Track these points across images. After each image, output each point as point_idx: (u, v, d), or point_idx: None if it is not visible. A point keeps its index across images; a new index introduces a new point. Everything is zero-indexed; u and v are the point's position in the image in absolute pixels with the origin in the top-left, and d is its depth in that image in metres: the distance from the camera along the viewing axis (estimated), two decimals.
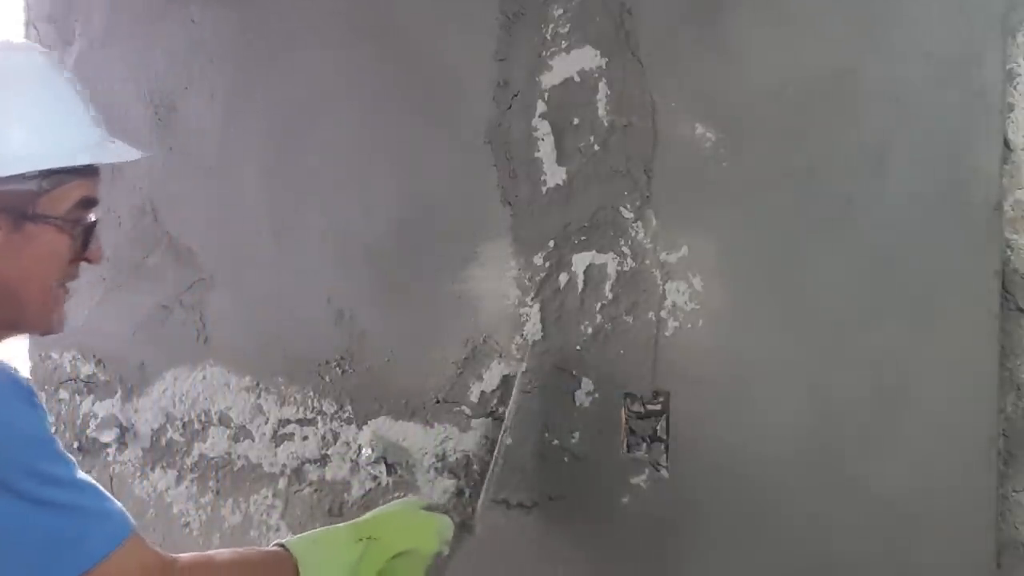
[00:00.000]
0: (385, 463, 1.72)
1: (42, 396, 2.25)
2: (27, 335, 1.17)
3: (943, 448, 1.23)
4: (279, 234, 1.86)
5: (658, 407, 1.44)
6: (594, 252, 1.50)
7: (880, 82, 1.26)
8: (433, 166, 1.66)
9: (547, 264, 1.54)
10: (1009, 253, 1.22)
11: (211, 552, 1.33)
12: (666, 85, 1.43)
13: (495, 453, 1.53)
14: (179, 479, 2.03)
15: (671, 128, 1.42)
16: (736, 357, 1.37)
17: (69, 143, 1.12)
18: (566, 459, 1.52)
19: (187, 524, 2.01)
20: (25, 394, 1.11)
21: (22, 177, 1.08)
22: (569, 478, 1.52)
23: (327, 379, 1.80)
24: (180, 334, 2.01)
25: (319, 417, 1.82)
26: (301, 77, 1.83)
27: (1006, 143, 1.21)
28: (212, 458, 1.98)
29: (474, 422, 1.61)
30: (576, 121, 1.51)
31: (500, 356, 1.59)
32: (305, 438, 1.84)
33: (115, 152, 1.19)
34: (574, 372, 1.51)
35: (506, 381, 1.58)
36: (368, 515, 1.42)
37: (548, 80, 1.54)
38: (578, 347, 1.51)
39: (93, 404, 2.18)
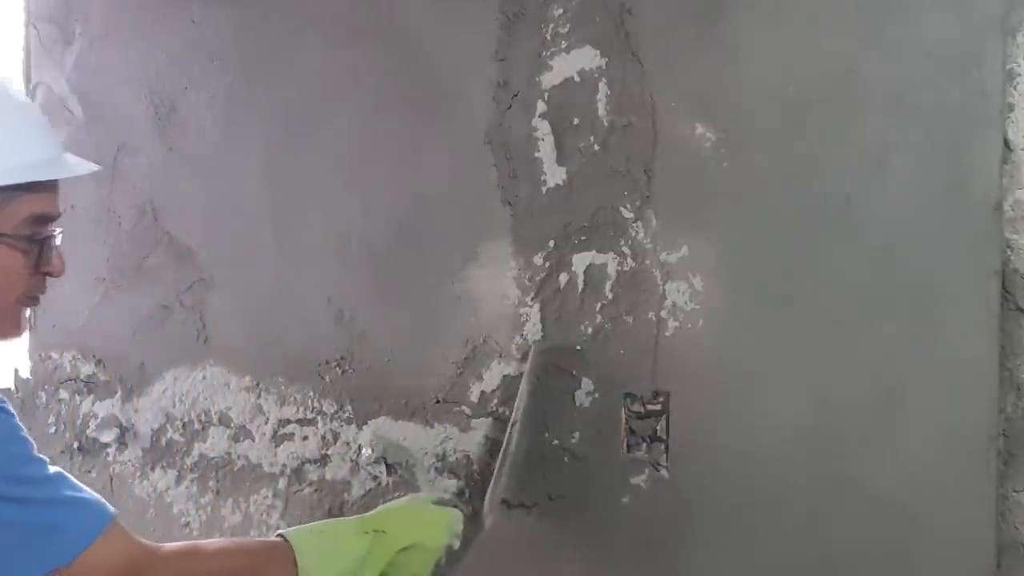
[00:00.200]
0: (385, 463, 1.72)
1: (42, 396, 2.26)
2: None
3: (943, 448, 1.23)
4: (279, 234, 1.86)
5: (658, 407, 1.44)
6: (594, 252, 1.50)
7: (880, 82, 1.26)
8: (433, 166, 1.67)
9: (547, 264, 1.54)
10: (1009, 253, 1.22)
11: (200, 541, 1.33)
12: (666, 85, 1.43)
13: (504, 446, 1.53)
14: (179, 479, 2.03)
15: (671, 128, 1.42)
16: (736, 357, 1.37)
17: (10, 161, 1.13)
18: (566, 459, 1.52)
19: (187, 524, 2.01)
20: None
21: None
22: (569, 478, 1.52)
23: (327, 379, 1.80)
24: (180, 334, 2.01)
25: (319, 417, 1.82)
26: (301, 77, 1.83)
27: (1006, 143, 1.21)
28: (212, 458, 1.98)
29: (474, 422, 1.61)
30: (576, 121, 1.51)
31: (500, 356, 1.59)
32: (305, 438, 1.84)
33: (59, 169, 1.21)
34: (574, 372, 1.51)
35: (506, 381, 1.58)
36: (376, 509, 1.42)
37: (548, 80, 1.54)
38: (578, 347, 1.51)
39: (93, 404, 2.18)
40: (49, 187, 1.19)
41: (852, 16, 1.28)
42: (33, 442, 1.17)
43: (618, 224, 1.47)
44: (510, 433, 1.53)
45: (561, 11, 1.52)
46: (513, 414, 1.54)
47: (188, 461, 2.02)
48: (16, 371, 2.34)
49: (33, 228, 1.16)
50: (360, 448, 1.75)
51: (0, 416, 1.11)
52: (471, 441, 1.62)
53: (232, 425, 1.95)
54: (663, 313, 1.43)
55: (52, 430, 2.24)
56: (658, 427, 1.44)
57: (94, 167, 1.26)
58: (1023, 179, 1.22)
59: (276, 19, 1.87)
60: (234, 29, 1.94)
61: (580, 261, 1.51)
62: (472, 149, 1.61)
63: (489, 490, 1.52)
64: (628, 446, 1.46)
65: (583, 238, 1.51)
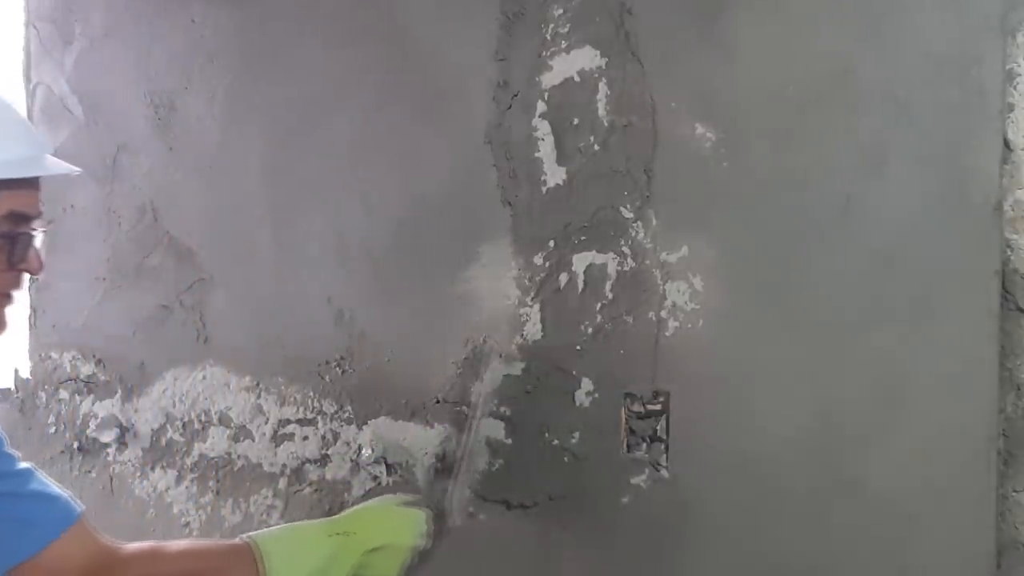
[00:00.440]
0: (385, 463, 1.72)
1: (42, 396, 2.26)
2: None
3: (943, 448, 1.23)
4: (279, 234, 1.87)
5: (658, 407, 1.44)
6: (594, 252, 1.50)
7: (879, 82, 1.26)
8: (433, 166, 1.67)
9: (547, 264, 1.54)
10: (1009, 253, 1.22)
11: (163, 542, 1.34)
12: (666, 85, 1.43)
13: (463, 446, 1.54)
14: (179, 479, 2.03)
15: (671, 128, 1.42)
16: (736, 357, 1.37)
17: None
18: (566, 459, 1.52)
19: (187, 524, 2.01)
20: None
21: None
22: (569, 478, 1.52)
23: (327, 379, 1.80)
24: (180, 334, 2.01)
25: (319, 417, 1.82)
26: (301, 77, 1.83)
27: (1006, 143, 1.21)
28: (212, 458, 1.98)
29: (474, 422, 1.61)
30: (576, 121, 1.51)
31: (500, 356, 1.59)
32: (305, 438, 1.84)
33: (37, 168, 1.22)
34: (574, 372, 1.51)
35: (507, 381, 1.58)
36: (344, 512, 1.44)
37: (548, 80, 1.54)
38: (578, 347, 1.51)
39: (93, 404, 2.18)
40: (29, 185, 1.20)
41: (851, 16, 1.28)
42: (6, 438, 1.18)
43: (618, 224, 1.47)
44: (468, 435, 1.54)
45: (561, 11, 1.52)
46: (472, 411, 1.55)
47: (188, 461, 2.02)
48: (16, 371, 2.34)
49: (10, 225, 1.17)
50: (360, 448, 1.75)
51: None
52: (471, 441, 1.62)
53: (232, 425, 1.95)
54: (663, 313, 1.43)
55: (52, 430, 2.24)
56: (658, 427, 1.44)
57: (74, 169, 1.27)
58: (1023, 179, 1.22)
59: (276, 19, 1.87)
60: (234, 29, 1.94)
61: (580, 261, 1.51)
62: (472, 149, 1.61)
63: (450, 491, 1.53)
64: (628, 446, 1.46)
65: (583, 238, 1.51)
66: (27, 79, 2.33)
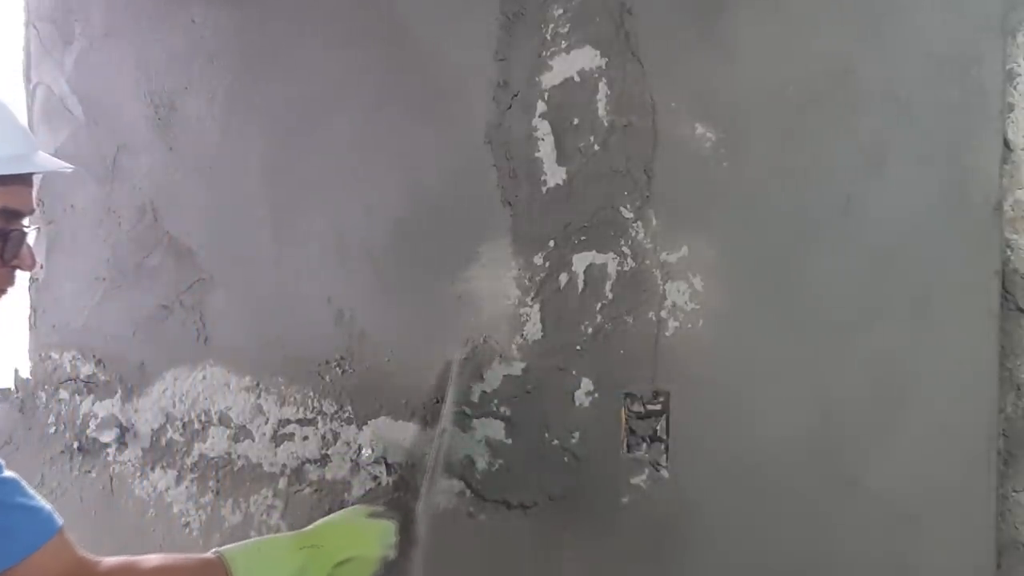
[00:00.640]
0: (385, 463, 1.72)
1: (42, 396, 2.26)
2: None
3: (943, 448, 1.23)
4: (279, 234, 1.87)
5: (658, 407, 1.44)
6: (594, 252, 1.50)
7: (880, 82, 1.26)
8: (433, 166, 1.67)
9: (547, 264, 1.54)
10: (1009, 253, 1.22)
11: (137, 557, 1.35)
12: (666, 85, 1.43)
13: (434, 454, 1.55)
14: (179, 479, 2.03)
15: (671, 128, 1.42)
16: (736, 357, 1.37)
17: None
18: (566, 459, 1.52)
19: (187, 524, 2.01)
20: None
21: None
22: (569, 478, 1.52)
23: (327, 379, 1.80)
24: (180, 334, 2.01)
25: (319, 417, 1.82)
26: (302, 77, 1.84)
27: (1006, 143, 1.21)
28: (212, 458, 1.98)
29: (474, 422, 1.61)
30: (576, 121, 1.51)
31: (500, 356, 1.59)
32: (305, 438, 1.84)
33: (28, 164, 1.22)
34: (574, 372, 1.51)
35: (506, 381, 1.58)
36: (312, 524, 1.47)
37: (548, 80, 1.54)
38: (578, 347, 1.51)
39: (93, 404, 2.18)
40: (21, 182, 1.20)
41: (851, 16, 1.28)
42: None
43: (618, 224, 1.47)
44: (439, 442, 1.55)
45: (561, 11, 1.52)
46: (441, 422, 1.56)
47: (188, 461, 2.02)
48: (16, 371, 2.34)
49: (2, 222, 1.18)
50: (360, 448, 1.75)
51: None
52: (470, 441, 1.62)
53: (232, 425, 1.95)
54: (663, 313, 1.43)
55: (52, 430, 2.24)
56: (658, 427, 1.44)
57: (66, 166, 1.28)
58: (1023, 179, 1.22)
59: (276, 19, 1.87)
60: (234, 29, 1.94)
61: (580, 261, 1.51)
62: (472, 149, 1.61)
63: (420, 499, 1.54)
64: (628, 446, 1.46)
65: (583, 238, 1.51)
66: (27, 79, 2.33)
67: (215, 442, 1.98)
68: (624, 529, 1.46)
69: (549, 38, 1.53)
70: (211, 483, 1.98)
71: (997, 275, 1.21)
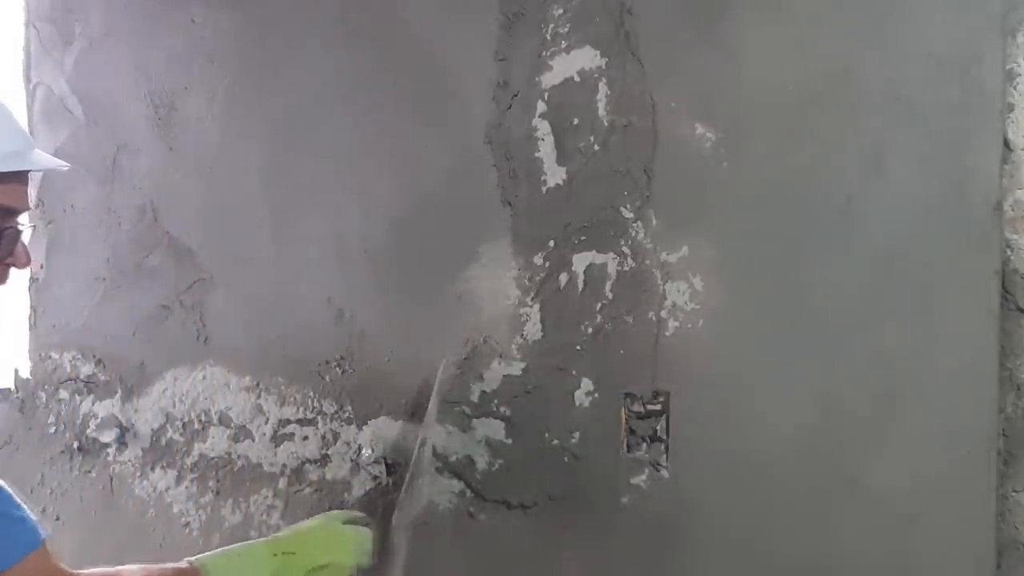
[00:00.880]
0: (385, 463, 1.72)
1: (42, 396, 2.26)
2: None
3: (943, 448, 1.23)
4: (279, 234, 1.87)
5: (658, 407, 1.44)
6: (594, 252, 1.50)
7: (880, 82, 1.26)
8: (433, 166, 1.67)
9: (547, 264, 1.54)
10: (1009, 253, 1.22)
11: (116, 568, 1.35)
12: (666, 85, 1.43)
13: (412, 466, 1.56)
14: (179, 479, 2.03)
15: (671, 128, 1.42)
16: (736, 357, 1.37)
17: None
18: (566, 459, 1.52)
19: (187, 524, 2.01)
20: None
21: None
22: (569, 478, 1.52)
23: (327, 379, 1.80)
24: (180, 334, 2.01)
25: (319, 417, 1.82)
26: (301, 77, 1.84)
27: (1006, 143, 1.21)
28: (212, 458, 1.98)
29: (474, 422, 1.61)
30: (576, 121, 1.51)
31: (500, 356, 1.59)
32: (305, 438, 1.85)
33: (24, 162, 1.22)
34: (574, 372, 1.51)
35: (507, 381, 1.58)
36: (287, 530, 1.48)
37: (548, 80, 1.54)
38: (578, 347, 1.51)
39: (93, 404, 2.18)
40: (16, 179, 1.20)
41: (852, 16, 1.28)
42: None
43: (618, 224, 1.47)
44: (418, 453, 1.55)
45: (561, 11, 1.52)
46: (421, 432, 1.56)
47: (188, 461, 2.02)
48: (16, 371, 2.34)
49: None
50: (360, 448, 1.75)
51: None
52: (470, 441, 1.62)
53: (232, 425, 1.95)
54: (663, 313, 1.43)
55: (52, 430, 2.24)
56: (658, 427, 1.44)
57: (62, 164, 1.27)
58: (1023, 179, 1.22)
59: (276, 19, 1.87)
60: (234, 29, 1.94)
61: (580, 261, 1.51)
62: (472, 149, 1.61)
63: (396, 510, 1.54)
64: (628, 446, 1.46)
65: (583, 238, 1.51)
66: (27, 79, 2.33)
67: (215, 442, 1.98)
68: (624, 529, 1.46)
69: (549, 38, 1.53)
70: (211, 483, 1.98)
71: (997, 275, 1.21)
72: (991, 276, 1.21)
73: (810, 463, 1.32)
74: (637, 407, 1.46)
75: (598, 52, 1.49)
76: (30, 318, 2.31)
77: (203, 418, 2.00)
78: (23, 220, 1.23)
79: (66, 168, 1.30)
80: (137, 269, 2.09)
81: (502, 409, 1.58)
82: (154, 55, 2.05)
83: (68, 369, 2.23)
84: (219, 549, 1.42)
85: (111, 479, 2.14)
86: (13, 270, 1.25)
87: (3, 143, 1.20)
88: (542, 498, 1.54)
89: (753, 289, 1.36)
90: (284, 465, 1.87)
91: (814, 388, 1.31)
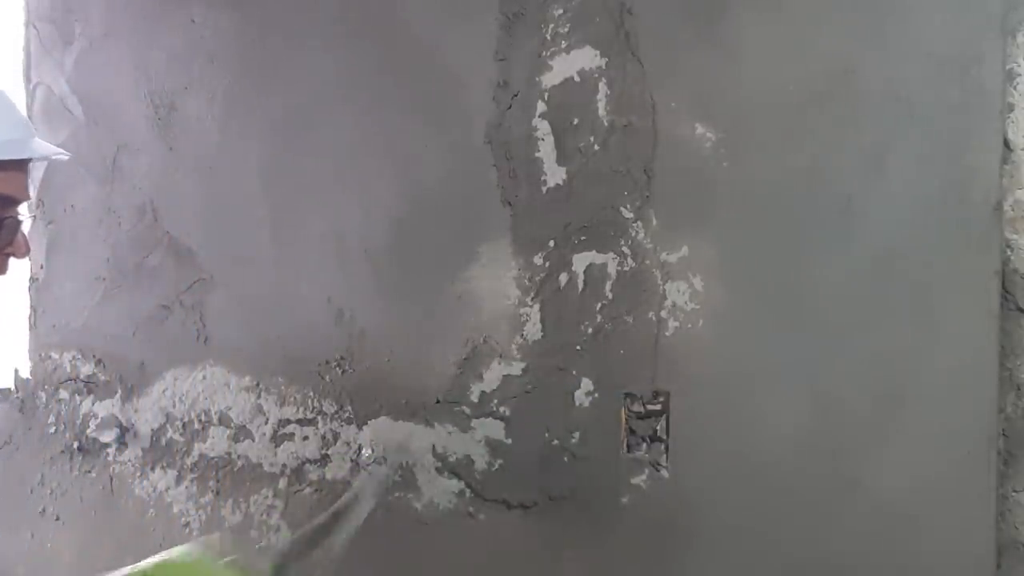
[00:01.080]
0: (385, 463, 1.72)
1: (42, 396, 2.26)
2: None
3: (943, 448, 1.23)
4: (279, 234, 1.86)
5: (658, 407, 1.44)
6: (594, 252, 1.50)
7: (880, 82, 1.27)
8: (433, 166, 1.66)
9: (547, 264, 1.54)
10: (1009, 253, 1.22)
11: None
12: (666, 85, 1.43)
13: (337, 510, 1.54)
14: (179, 479, 2.03)
15: (671, 128, 1.42)
16: (736, 357, 1.37)
17: None
18: (566, 459, 1.52)
19: (187, 524, 2.01)
20: None
21: None
22: (569, 478, 1.52)
23: (327, 379, 1.80)
24: (180, 334, 2.01)
25: (319, 417, 1.82)
26: (301, 77, 1.83)
27: (1006, 143, 1.22)
28: (212, 458, 1.98)
29: (474, 422, 1.61)
30: (576, 121, 1.51)
31: (500, 356, 1.59)
32: (305, 438, 1.84)
33: (24, 150, 1.20)
34: (574, 372, 1.51)
35: (506, 381, 1.58)
36: (149, 561, 1.22)
37: (548, 80, 1.54)
38: (578, 347, 1.51)
39: (93, 404, 2.18)
40: (15, 168, 1.18)
41: (852, 16, 1.28)
42: None
43: (618, 224, 1.47)
44: (348, 502, 1.53)
45: (561, 11, 1.52)
46: (345, 499, 1.54)
47: (188, 461, 2.02)
48: (16, 371, 2.34)
49: None
50: (360, 448, 1.75)
51: None
52: (468, 441, 1.62)
53: (232, 425, 1.95)
54: (663, 313, 1.43)
55: (52, 430, 2.24)
56: (658, 427, 1.44)
57: (62, 152, 1.26)
58: (1023, 179, 1.22)
59: (276, 20, 1.87)
60: (234, 29, 1.94)
61: (580, 261, 1.51)
62: (472, 149, 1.61)
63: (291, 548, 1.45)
64: (628, 446, 1.46)
65: (583, 238, 1.51)
66: (27, 79, 2.33)
67: (215, 442, 1.98)
68: (624, 529, 1.46)
69: (549, 38, 1.53)
70: (211, 483, 1.98)
71: (997, 275, 1.21)
72: (991, 276, 1.21)
73: (810, 463, 1.32)
74: (637, 407, 1.46)
75: (598, 52, 1.49)
76: (30, 318, 2.31)
77: (203, 418, 2.00)
78: (23, 210, 1.22)
79: (66, 158, 1.28)
80: (137, 269, 2.09)
81: (502, 409, 1.58)
82: (154, 55, 2.05)
83: (68, 369, 2.23)
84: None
85: (111, 479, 2.14)
86: (13, 260, 1.23)
87: (4, 130, 1.19)
88: (542, 498, 1.54)
89: (753, 289, 1.36)
90: (284, 465, 1.87)
91: (814, 388, 1.31)
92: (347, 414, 1.78)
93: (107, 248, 2.14)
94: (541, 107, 1.54)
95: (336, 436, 1.80)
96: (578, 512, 1.51)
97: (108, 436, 2.14)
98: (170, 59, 2.03)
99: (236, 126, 1.93)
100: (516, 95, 1.57)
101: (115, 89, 2.12)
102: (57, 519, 2.20)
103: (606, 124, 1.48)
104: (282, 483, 1.88)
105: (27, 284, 2.31)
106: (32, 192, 1.25)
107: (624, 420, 1.46)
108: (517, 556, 1.56)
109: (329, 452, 1.81)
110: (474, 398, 1.61)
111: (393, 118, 1.71)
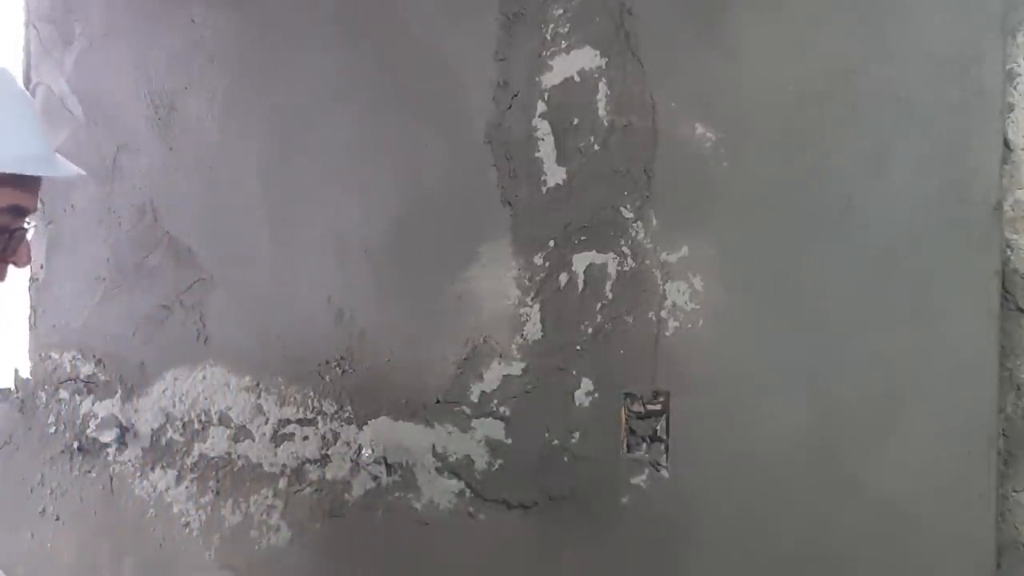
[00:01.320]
0: (385, 463, 1.72)
1: (42, 396, 2.26)
2: None
3: (943, 448, 1.23)
4: (279, 234, 1.86)
5: (658, 407, 1.44)
6: (594, 252, 1.50)
7: (880, 82, 1.27)
8: (433, 166, 1.67)
9: (547, 264, 1.54)
10: (1009, 253, 1.22)
11: None
12: (666, 85, 1.43)
13: None
14: (179, 479, 2.03)
15: (671, 128, 1.42)
16: (736, 357, 1.37)
17: (3, 151, 1.14)
18: (566, 459, 1.52)
19: (187, 524, 2.01)
20: None
21: None
22: (569, 478, 1.52)
23: (327, 379, 1.80)
24: (180, 334, 2.01)
25: (319, 417, 1.82)
26: (301, 77, 1.83)
27: (1006, 143, 1.22)
28: (212, 458, 1.98)
29: (474, 422, 1.61)
30: (576, 121, 1.51)
31: (500, 356, 1.59)
32: (305, 438, 1.84)
33: (51, 168, 1.21)
34: (574, 372, 1.51)
35: (506, 381, 1.58)
36: None
37: (548, 80, 1.54)
38: (578, 347, 1.51)
39: (93, 404, 2.18)
40: (34, 181, 1.19)
41: (852, 16, 1.28)
42: None
43: (618, 224, 1.47)
44: None
45: (561, 11, 1.52)
46: None
47: (188, 461, 2.02)
48: (16, 371, 2.34)
49: (9, 219, 1.18)
50: (360, 448, 1.75)
51: None
52: (471, 441, 1.62)
53: (232, 425, 1.95)
54: (663, 313, 1.43)
55: (52, 430, 2.24)
56: (658, 427, 1.44)
57: (80, 171, 1.27)
58: (1023, 179, 1.22)
59: (276, 20, 1.87)
60: (234, 29, 1.94)
61: (580, 261, 1.51)
62: (472, 149, 1.61)
63: None
64: (628, 446, 1.46)
65: (583, 238, 1.51)
66: (27, 79, 2.33)
67: (215, 442, 1.98)
68: (624, 529, 1.46)
69: (549, 38, 1.53)
70: (211, 483, 1.98)
71: (997, 275, 1.21)
72: (991, 276, 1.21)
73: (810, 463, 1.32)
74: (637, 407, 1.46)
75: (598, 52, 1.49)
76: (30, 318, 2.31)
77: (203, 418, 2.00)
78: (29, 219, 1.23)
79: (82, 174, 1.30)
80: (137, 269, 2.09)
81: (502, 409, 1.58)
82: (154, 55, 2.05)
83: (68, 369, 2.23)
84: None
85: (111, 479, 2.14)
86: (12, 268, 1.25)
87: (32, 144, 1.20)
88: (542, 498, 1.54)
89: (753, 289, 1.36)
90: (284, 465, 1.87)
91: (814, 388, 1.31)
92: (347, 414, 1.78)
93: (107, 248, 2.14)
94: (541, 107, 1.54)
95: (336, 436, 1.80)
96: (578, 512, 1.51)
97: (108, 436, 2.14)
98: (170, 59, 2.03)
99: (236, 126, 1.93)
100: (516, 95, 1.57)
101: (115, 89, 2.12)
102: (57, 519, 2.21)
103: (606, 124, 1.48)
104: (282, 483, 1.88)
105: (27, 284, 2.31)
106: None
107: (624, 420, 1.47)
108: (517, 556, 1.56)
109: (329, 452, 1.81)
110: (474, 398, 1.61)
111: (393, 118, 1.71)
